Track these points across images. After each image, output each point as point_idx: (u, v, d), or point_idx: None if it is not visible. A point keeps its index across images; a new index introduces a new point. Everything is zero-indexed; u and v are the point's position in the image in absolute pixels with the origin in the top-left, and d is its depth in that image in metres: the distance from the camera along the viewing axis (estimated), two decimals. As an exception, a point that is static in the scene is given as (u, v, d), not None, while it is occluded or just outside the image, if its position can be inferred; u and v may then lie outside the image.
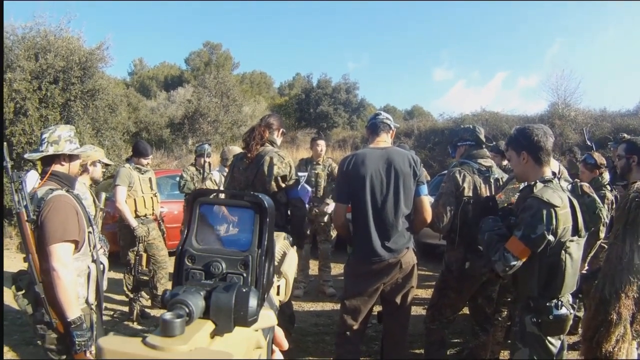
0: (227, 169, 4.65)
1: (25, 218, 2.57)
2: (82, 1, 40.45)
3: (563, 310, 2.58)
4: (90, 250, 2.84)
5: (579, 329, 3.96)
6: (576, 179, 3.17)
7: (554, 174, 2.80)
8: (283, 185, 3.55)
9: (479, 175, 3.59)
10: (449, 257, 3.68)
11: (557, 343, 2.65)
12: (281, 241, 0.96)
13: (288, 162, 3.57)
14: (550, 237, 2.50)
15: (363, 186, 3.21)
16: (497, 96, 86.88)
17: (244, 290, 0.57)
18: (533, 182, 2.68)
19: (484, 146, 3.82)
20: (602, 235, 3.93)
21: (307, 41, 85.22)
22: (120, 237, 5.50)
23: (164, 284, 5.68)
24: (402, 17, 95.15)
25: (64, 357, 2.71)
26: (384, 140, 3.44)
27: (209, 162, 6.37)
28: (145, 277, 5.27)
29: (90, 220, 2.87)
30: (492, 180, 3.62)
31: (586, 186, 3.04)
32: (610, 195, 4.51)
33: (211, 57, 34.79)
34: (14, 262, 6.30)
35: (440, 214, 3.50)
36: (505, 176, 3.72)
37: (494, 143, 4.80)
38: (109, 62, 13.84)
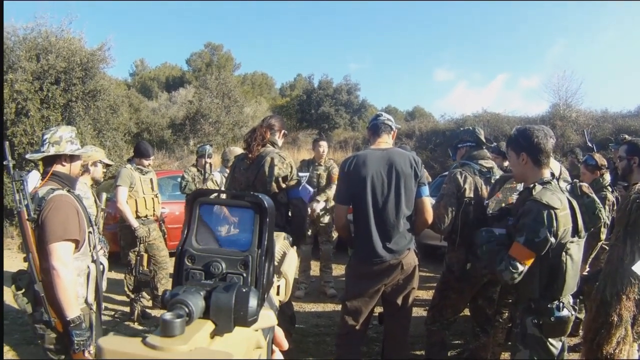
0: (228, 170, 4.65)
1: (26, 217, 2.58)
2: (84, 1, 40.39)
3: (564, 312, 2.58)
4: (90, 250, 2.84)
5: (580, 331, 3.96)
6: (575, 180, 3.16)
7: (552, 174, 2.80)
8: (284, 185, 3.54)
9: (480, 177, 3.59)
10: (450, 258, 3.68)
11: (558, 345, 2.65)
12: (281, 241, 0.96)
13: (289, 162, 3.56)
14: (552, 240, 2.49)
15: (364, 187, 3.21)
16: (499, 97, 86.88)
17: (244, 290, 0.57)
18: (532, 185, 2.67)
19: (484, 147, 3.82)
20: (603, 236, 3.93)
21: (308, 42, 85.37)
22: (121, 238, 5.50)
23: (165, 285, 5.68)
24: (403, 18, 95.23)
25: (63, 356, 2.71)
26: (385, 141, 3.44)
27: (210, 163, 6.37)
28: (146, 278, 5.26)
29: (90, 221, 2.88)
30: (493, 182, 3.62)
31: (585, 186, 3.04)
32: (611, 197, 4.50)
33: (212, 58, 34.82)
34: (15, 262, 6.30)
35: (442, 215, 3.50)
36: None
37: (495, 144, 4.80)
38: (111, 62, 13.90)
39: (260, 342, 0.65)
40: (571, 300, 2.69)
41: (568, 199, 2.65)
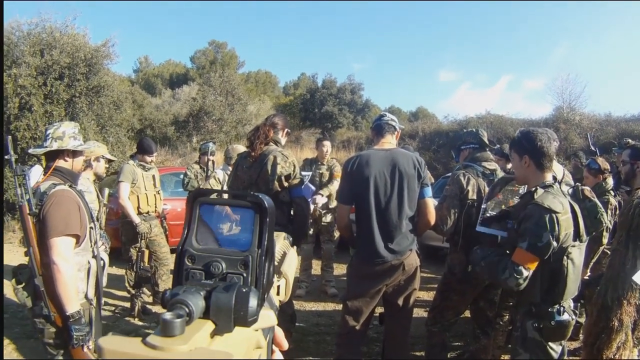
0: (230, 168, 4.65)
1: (27, 211, 2.58)
2: (88, 1, 40.36)
3: (565, 316, 2.57)
4: (91, 246, 2.85)
5: (580, 335, 3.96)
6: (577, 183, 3.16)
7: (554, 178, 2.79)
8: (286, 184, 3.54)
9: (483, 179, 3.59)
10: (452, 259, 3.68)
11: (558, 349, 2.65)
12: (281, 241, 0.96)
13: (292, 161, 3.56)
14: (554, 244, 2.48)
15: (367, 187, 3.20)
16: (502, 99, 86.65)
17: (244, 290, 0.57)
18: (533, 189, 2.66)
19: (487, 149, 3.82)
20: (605, 241, 3.93)
21: (312, 41, 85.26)
22: (122, 233, 5.52)
23: (166, 281, 5.69)
24: (407, 19, 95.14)
25: (62, 351, 2.71)
26: (389, 141, 3.43)
27: (212, 161, 6.37)
28: (147, 274, 5.27)
29: (92, 216, 2.89)
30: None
31: (587, 190, 3.03)
32: (613, 201, 4.49)
33: (216, 56, 34.82)
34: (17, 256, 6.31)
35: (444, 216, 3.50)
36: None
37: (498, 146, 4.79)
38: (115, 59, 13.92)
39: (260, 342, 0.65)
40: (572, 305, 2.68)
41: (570, 203, 2.64)
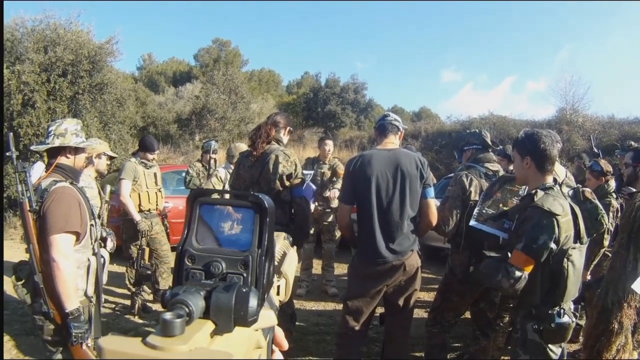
0: (232, 166, 4.65)
1: (28, 208, 2.58)
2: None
3: (565, 319, 2.57)
4: (92, 243, 2.85)
5: (580, 337, 3.96)
6: (578, 185, 3.16)
7: (555, 180, 2.79)
8: (288, 183, 3.54)
9: (485, 180, 3.58)
10: (454, 260, 3.68)
11: (558, 351, 2.64)
12: (281, 241, 0.96)
13: (293, 160, 3.56)
14: (553, 246, 2.48)
15: (369, 187, 3.20)
16: (505, 100, 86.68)
17: (244, 290, 0.57)
18: (533, 191, 2.66)
19: (490, 150, 3.82)
20: (606, 243, 3.93)
21: (316, 40, 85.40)
22: (123, 231, 5.53)
23: (166, 279, 5.70)
24: (411, 19, 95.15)
25: (61, 348, 2.71)
26: (392, 141, 3.43)
27: (214, 159, 6.37)
28: (147, 272, 5.27)
29: (93, 213, 2.89)
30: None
31: (588, 192, 3.03)
32: (615, 203, 4.49)
33: (220, 54, 34.80)
34: (18, 253, 6.33)
35: (446, 217, 3.50)
36: None
37: (501, 147, 4.79)
38: (118, 56, 13.89)
39: (260, 342, 0.65)
40: (572, 307, 2.68)
41: (570, 205, 2.64)
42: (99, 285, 2.95)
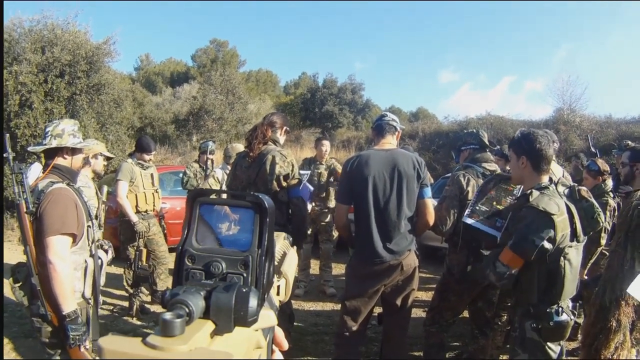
0: (230, 167, 4.65)
1: (25, 209, 2.58)
2: (89, -1, 40.35)
3: (563, 317, 2.58)
4: (89, 245, 2.84)
5: (579, 336, 3.97)
6: (574, 184, 3.16)
7: (550, 179, 2.79)
8: (285, 184, 3.54)
9: (483, 179, 3.59)
10: (451, 260, 3.68)
11: (557, 349, 2.65)
12: (281, 241, 0.96)
13: (290, 161, 3.55)
14: (547, 245, 2.49)
15: (366, 187, 3.21)
16: (503, 100, 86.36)
17: (244, 290, 0.57)
18: (529, 191, 2.67)
19: (487, 150, 3.82)
20: (603, 242, 3.93)
21: (314, 41, 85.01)
22: (120, 232, 5.52)
23: (164, 280, 5.69)
24: (408, 19, 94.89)
25: (59, 350, 2.71)
26: (389, 142, 3.43)
27: (212, 160, 6.37)
28: (145, 273, 5.27)
29: (90, 214, 2.88)
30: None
31: (584, 190, 3.03)
32: (612, 202, 4.50)
33: (217, 54, 34.78)
34: (16, 254, 6.31)
35: (444, 217, 3.50)
36: None
37: (498, 147, 4.80)
38: (116, 57, 13.91)
39: (260, 342, 0.65)
40: (570, 305, 2.69)
41: (566, 204, 2.64)
42: (97, 286, 2.93)
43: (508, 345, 3.62)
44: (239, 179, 3.67)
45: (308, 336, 5.08)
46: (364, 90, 28.91)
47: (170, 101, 25.05)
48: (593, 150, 5.90)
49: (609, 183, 4.70)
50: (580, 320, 3.99)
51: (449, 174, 4.03)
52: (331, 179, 6.44)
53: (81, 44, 12.48)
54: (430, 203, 3.37)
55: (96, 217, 3.56)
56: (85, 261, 2.80)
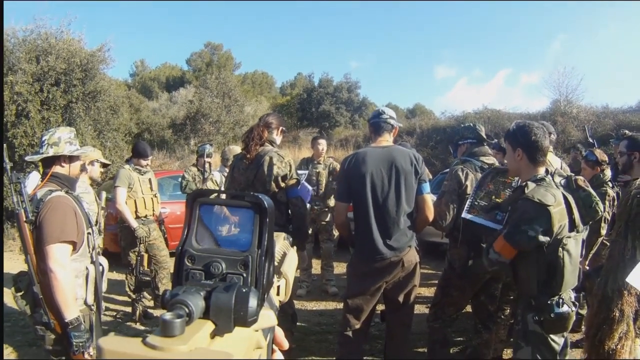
0: (227, 169, 4.65)
1: (24, 219, 2.58)
2: (83, 1, 40.39)
3: (564, 308, 2.58)
4: (89, 252, 2.84)
5: (582, 327, 3.96)
6: (571, 174, 3.16)
7: (546, 170, 2.79)
8: (283, 184, 3.54)
9: (481, 173, 3.59)
10: (452, 255, 3.68)
11: (560, 341, 2.65)
12: (281, 241, 0.96)
13: (288, 161, 3.55)
14: (543, 239, 2.49)
15: (364, 184, 3.21)
16: (500, 93, 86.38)
17: (244, 290, 0.56)
18: (524, 183, 2.67)
19: (485, 144, 3.82)
20: (603, 232, 3.93)
21: (309, 41, 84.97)
22: (121, 238, 5.51)
23: (166, 284, 5.68)
24: (402, 16, 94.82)
25: (63, 358, 2.71)
26: (387, 139, 3.43)
27: (209, 163, 6.37)
28: (147, 278, 5.27)
29: (89, 221, 2.88)
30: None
31: (581, 180, 3.03)
32: (611, 192, 4.50)
33: (212, 58, 34.83)
34: (17, 264, 6.31)
35: (443, 212, 3.51)
36: None
37: (496, 140, 4.80)
38: (111, 63, 13.93)
39: (261, 342, 0.65)
40: (572, 296, 2.68)
41: (563, 194, 2.64)
42: (99, 293, 2.93)
43: (512, 339, 3.62)
44: (237, 181, 3.66)
45: (312, 336, 5.08)
46: (360, 89, 29.07)
47: (167, 106, 25.08)
48: (591, 140, 5.90)
49: (608, 173, 4.70)
50: (584, 312, 4.00)
51: (448, 170, 4.03)
52: (331, 179, 6.44)
53: (75, 51, 12.48)
54: (429, 198, 3.38)
55: (96, 223, 3.55)
56: (87, 268, 2.80)
